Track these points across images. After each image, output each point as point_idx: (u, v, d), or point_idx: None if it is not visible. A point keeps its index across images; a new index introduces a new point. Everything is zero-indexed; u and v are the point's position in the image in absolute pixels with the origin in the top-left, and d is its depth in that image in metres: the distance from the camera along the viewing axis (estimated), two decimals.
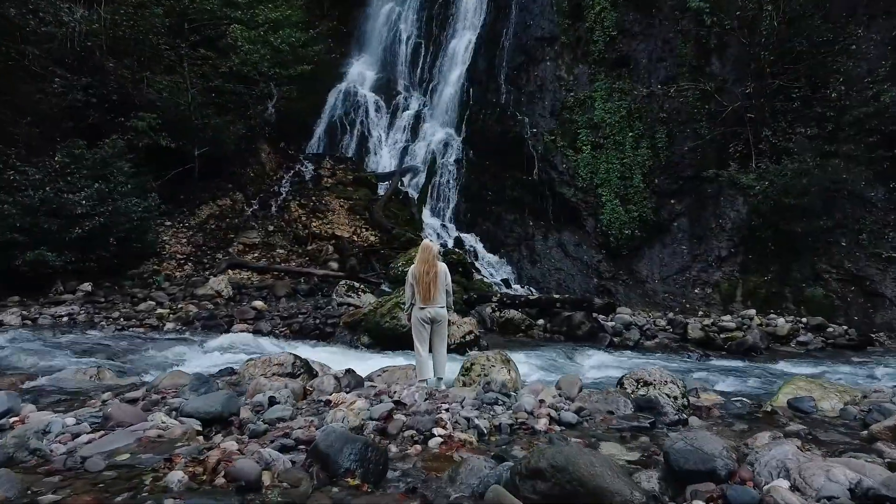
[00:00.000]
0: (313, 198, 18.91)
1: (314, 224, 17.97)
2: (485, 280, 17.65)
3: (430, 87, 24.43)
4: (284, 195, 19.18)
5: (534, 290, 18.08)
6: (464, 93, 23.20)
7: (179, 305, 12.62)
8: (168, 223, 17.33)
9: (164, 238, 16.49)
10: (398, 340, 10.40)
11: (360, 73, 25.90)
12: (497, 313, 14.15)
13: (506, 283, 18.04)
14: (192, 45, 19.34)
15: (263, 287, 14.49)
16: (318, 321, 11.97)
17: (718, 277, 18.48)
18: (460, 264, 17.41)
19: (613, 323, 13.45)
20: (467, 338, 11.20)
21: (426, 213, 20.36)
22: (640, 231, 19.37)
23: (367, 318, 11.52)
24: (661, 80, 21.49)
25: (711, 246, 19.08)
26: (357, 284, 13.72)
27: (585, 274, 18.67)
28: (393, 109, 24.34)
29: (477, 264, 18.45)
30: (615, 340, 12.74)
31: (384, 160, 23.15)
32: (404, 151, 23.11)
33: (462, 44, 24.27)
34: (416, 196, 20.69)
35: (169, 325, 11.54)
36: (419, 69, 25.13)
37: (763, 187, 18.06)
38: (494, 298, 14.63)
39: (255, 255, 16.41)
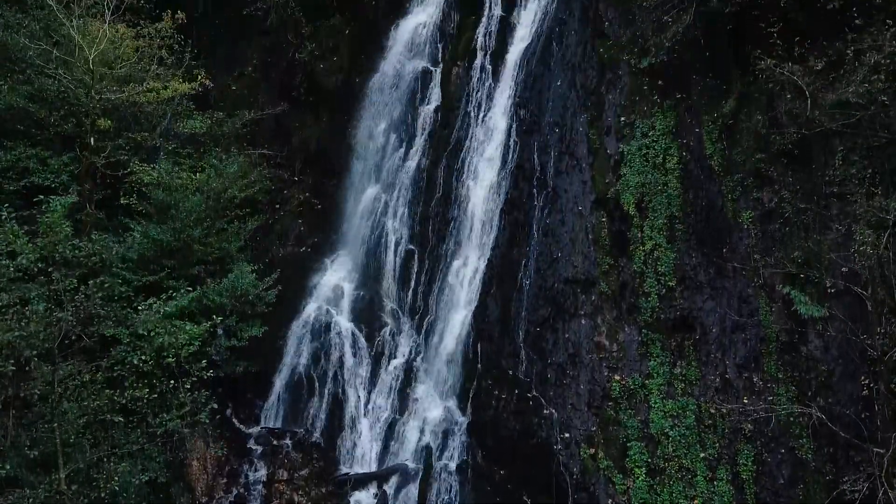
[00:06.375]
0: None
1: None
2: None
3: (424, 323, 18.63)
4: None
5: None
6: (470, 348, 17.37)
7: None
8: None
9: None
10: None
11: (335, 286, 20.19)
12: None
13: None
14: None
15: None
16: None
17: None
18: None
19: None
20: None
21: None
22: None
23: None
24: (739, 360, 15.73)
25: None
26: None
27: None
28: (376, 353, 18.62)
29: None
30: None
31: (363, 441, 17.38)
32: (391, 430, 17.34)
33: (468, 270, 18.40)
34: None
35: None
36: (411, 291, 19.31)
37: None
38: None
39: None
